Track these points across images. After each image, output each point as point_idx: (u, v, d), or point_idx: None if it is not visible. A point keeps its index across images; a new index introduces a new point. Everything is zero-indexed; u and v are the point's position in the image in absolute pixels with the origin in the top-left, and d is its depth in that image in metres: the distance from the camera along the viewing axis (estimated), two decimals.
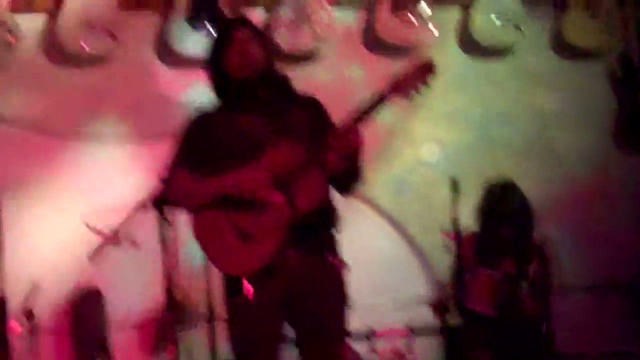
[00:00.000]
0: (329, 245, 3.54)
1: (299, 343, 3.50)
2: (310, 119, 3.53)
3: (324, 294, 3.48)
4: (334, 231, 3.56)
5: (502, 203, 4.70)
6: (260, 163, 3.42)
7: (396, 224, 5.53)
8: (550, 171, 5.65)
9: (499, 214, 4.67)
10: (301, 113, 3.53)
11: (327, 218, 3.52)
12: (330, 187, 3.54)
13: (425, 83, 3.42)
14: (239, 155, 3.46)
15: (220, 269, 3.48)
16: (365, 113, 3.39)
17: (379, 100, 3.39)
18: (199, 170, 3.53)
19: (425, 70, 3.43)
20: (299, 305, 3.47)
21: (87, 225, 3.99)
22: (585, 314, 5.41)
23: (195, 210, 3.48)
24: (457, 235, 4.23)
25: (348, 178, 3.55)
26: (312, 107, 3.57)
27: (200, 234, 3.46)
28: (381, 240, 5.51)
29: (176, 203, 3.58)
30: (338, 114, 3.37)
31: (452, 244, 4.39)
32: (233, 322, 3.50)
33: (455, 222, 4.25)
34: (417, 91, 3.42)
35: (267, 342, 3.45)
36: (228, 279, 3.50)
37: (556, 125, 5.71)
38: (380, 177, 5.52)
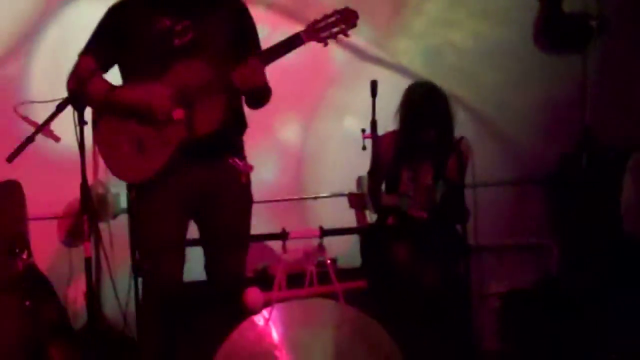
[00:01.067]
0: (234, 150, 3.59)
1: (203, 244, 3.60)
2: (231, 29, 3.52)
3: (227, 197, 3.56)
4: (240, 136, 3.62)
5: (423, 103, 4.72)
6: (168, 77, 3.40)
7: None
8: (474, 67, 5.68)
9: (420, 115, 4.70)
10: (223, 22, 3.51)
11: (233, 126, 3.56)
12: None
13: (343, 32, 3.38)
14: (150, 62, 3.44)
15: (113, 173, 3.56)
16: (275, 53, 3.37)
17: (292, 42, 3.37)
18: (108, 67, 3.52)
19: (346, 19, 3.38)
20: (203, 209, 3.56)
21: (17, 113, 3.92)
22: (503, 207, 5.56)
23: (99, 112, 3.49)
24: (375, 135, 4.29)
25: (254, 101, 3.59)
26: (237, 16, 3.56)
27: (100, 139, 3.48)
28: None
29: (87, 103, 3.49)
30: None
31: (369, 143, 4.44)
32: (137, 220, 3.55)
33: (373, 123, 4.30)
34: (335, 38, 3.39)
35: (169, 241, 3.54)
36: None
37: (479, 22, 5.73)
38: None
